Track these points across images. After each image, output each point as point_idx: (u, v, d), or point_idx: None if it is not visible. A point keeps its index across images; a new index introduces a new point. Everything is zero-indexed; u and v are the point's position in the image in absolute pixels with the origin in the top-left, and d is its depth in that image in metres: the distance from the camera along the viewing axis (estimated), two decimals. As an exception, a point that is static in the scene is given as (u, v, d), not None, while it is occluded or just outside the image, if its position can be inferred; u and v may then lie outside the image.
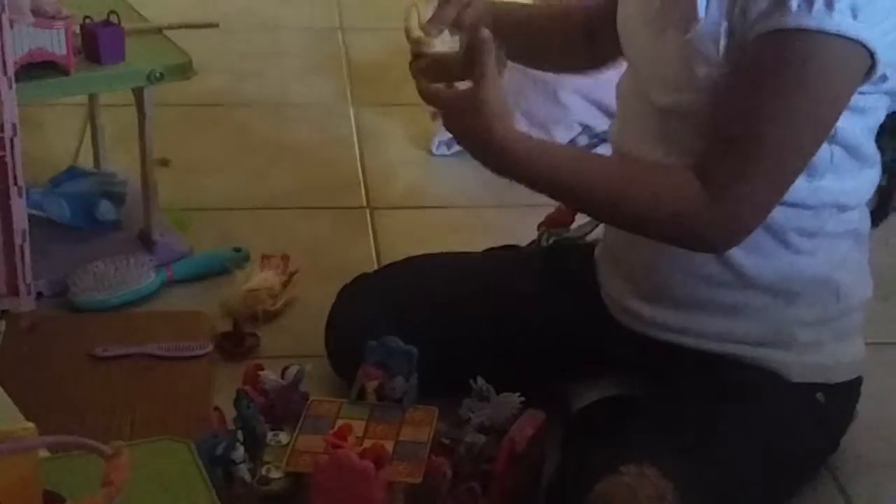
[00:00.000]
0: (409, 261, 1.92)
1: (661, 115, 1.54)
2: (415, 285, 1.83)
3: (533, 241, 1.92)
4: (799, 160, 1.45)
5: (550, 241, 1.86)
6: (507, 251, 1.93)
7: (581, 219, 1.89)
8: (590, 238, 1.85)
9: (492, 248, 1.95)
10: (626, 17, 1.62)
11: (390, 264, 1.97)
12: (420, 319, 1.74)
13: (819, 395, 1.61)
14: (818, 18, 1.36)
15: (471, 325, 1.76)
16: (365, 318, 1.77)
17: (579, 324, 1.72)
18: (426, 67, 1.50)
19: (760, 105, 1.41)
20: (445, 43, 1.54)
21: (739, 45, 1.43)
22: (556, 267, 1.83)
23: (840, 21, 1.37)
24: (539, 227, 1.92)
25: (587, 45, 1.76)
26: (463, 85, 1.45)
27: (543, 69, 1.97)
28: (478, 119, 1.40)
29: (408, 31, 1.53)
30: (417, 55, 1.53)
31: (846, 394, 1.66)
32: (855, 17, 1.37)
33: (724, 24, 1.44)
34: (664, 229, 1.48)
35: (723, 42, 1.44)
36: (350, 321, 1.82)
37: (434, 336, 1.69)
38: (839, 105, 1.44)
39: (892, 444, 1.79)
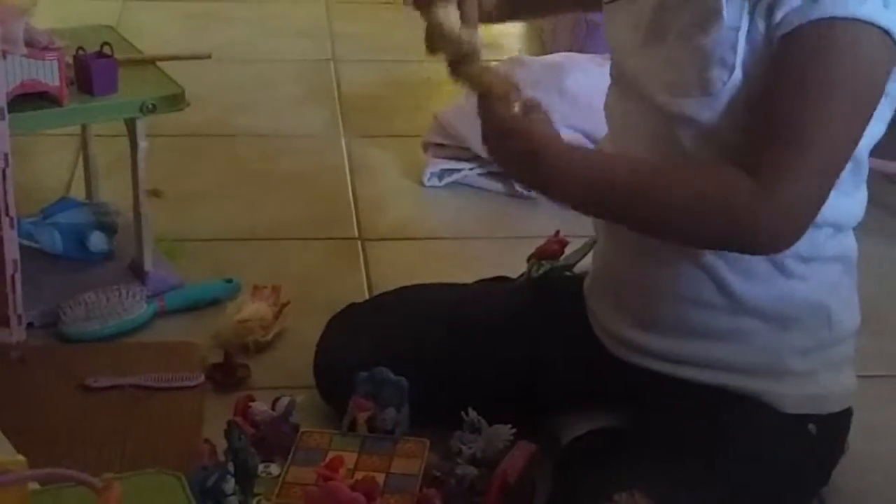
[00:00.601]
0: (400, 291, 1.92)
1: (665, 122, 1.52)
2: (405, 316, 1.83)
3: (523, 274, 1.92)
4: (847, 151, 1.45)
5: (540, 272, 1.86)
6: (498, 283, 1.94)
7: (570, 248, 1.90)
8: (579, 268, 1.85)
9: (482, 280, 1.96)
10: (615, 28, 1.62)
11: (380, 294, 1.97)
12: (409, 351, 1.74)
13: (811, 427, 1.60)
14: (854, 7, 1.38)
15: (461, 357, 1.76)
16: (353, 348, 1.77)
17: (570, 355, 1.72)
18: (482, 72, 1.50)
19: (805, 98, 1.40)
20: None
21: (764, 46, 1.43)
22: (546, 298, 1.83)
23: (873, 10, 1.38)
24: (529, 258, 1.92)
25: None
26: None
27: (532, 16, 1.95)
28: (531, 141, 1.44)
29: (447, 32, 1.46)
30: (463, 58, 1.49)
31: (837, 426, 1.66)
32: (886, 6, 1.39)
33: (744, 29, 1.44)
34: (715, 229, 1.45)
35: (741, 46, 1.44)
36: (339, 351, 1.82)
37: (424, 367, 1.69)
38: (878, 94, 1.44)
39: (884, 478, 1.79)
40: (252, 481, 1.52)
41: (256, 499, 1.50)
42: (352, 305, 1.91)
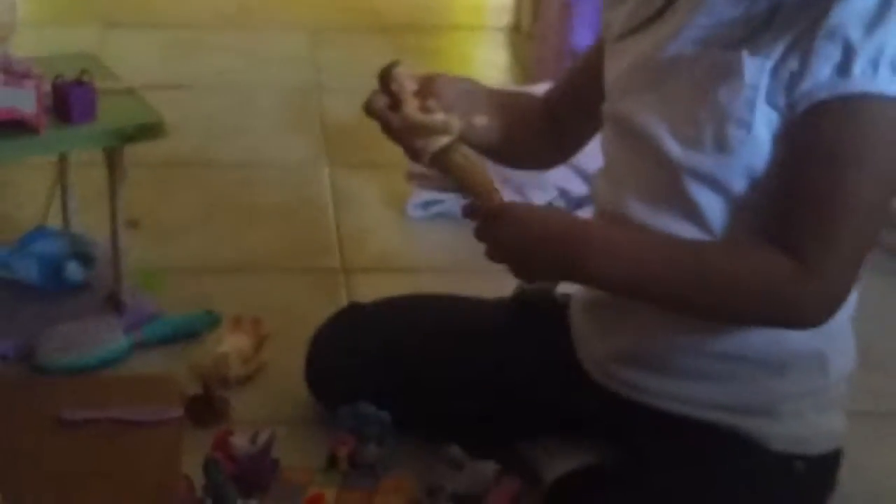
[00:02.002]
0: (401, 298, 1.92)
1: (671, 172, 1.50)
2: (401, 319, 1.85)
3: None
4: (881, 221, 1.44)
5: (519, 289, 1.83)
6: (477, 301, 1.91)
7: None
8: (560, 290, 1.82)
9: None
10: (618, 73, 1.59)
11: (386, 298, 1.94)
12: (392, 354, 1.77)
13: (798, 464, 1.59)
14: (887, 83, 1.36)
15: (438, 363, 1.76)
16: (347, 344, 1.78)
17: (551, 375, 1.70)
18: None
19: (838, 173, 1.39)
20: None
21: (786, 111, 1.41)
22: (532, 316, 1.80)
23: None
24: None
25: (551, 133, 1.73)
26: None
27: (506, 161, 1.86)
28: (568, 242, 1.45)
29: (417, 118, 1.49)
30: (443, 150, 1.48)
31: (826, 465, 1.64)
32: None
33: (763, 90, 1.42)
34: (761, 313, 1.46)
35: (760, 107, 1.42)
36: (332, 347, 1.84)
37: (403, 371, 1.72)
38: None
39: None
40: (231, 518, 1.50)
41: (235, 536, 1.47)
42: (353, 304, 1.91)
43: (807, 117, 1.40)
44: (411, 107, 1.49)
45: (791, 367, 1.56)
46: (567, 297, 1.76)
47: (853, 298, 1.59)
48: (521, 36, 3.73)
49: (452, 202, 2.62)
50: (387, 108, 1.54)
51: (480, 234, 1.49)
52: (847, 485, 1.70)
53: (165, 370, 1.99)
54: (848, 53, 1.37)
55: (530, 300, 1.81)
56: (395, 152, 3.00)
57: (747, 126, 1.43)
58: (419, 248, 2.52)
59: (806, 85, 1.39)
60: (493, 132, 1.68)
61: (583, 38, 2.99)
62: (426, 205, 2.62)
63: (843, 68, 1.37)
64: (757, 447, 1.57)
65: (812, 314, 1.45)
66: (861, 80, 1.36)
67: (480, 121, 1.61)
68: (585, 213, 1.78)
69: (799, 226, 1.42)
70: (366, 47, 3.61)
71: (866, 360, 1.71)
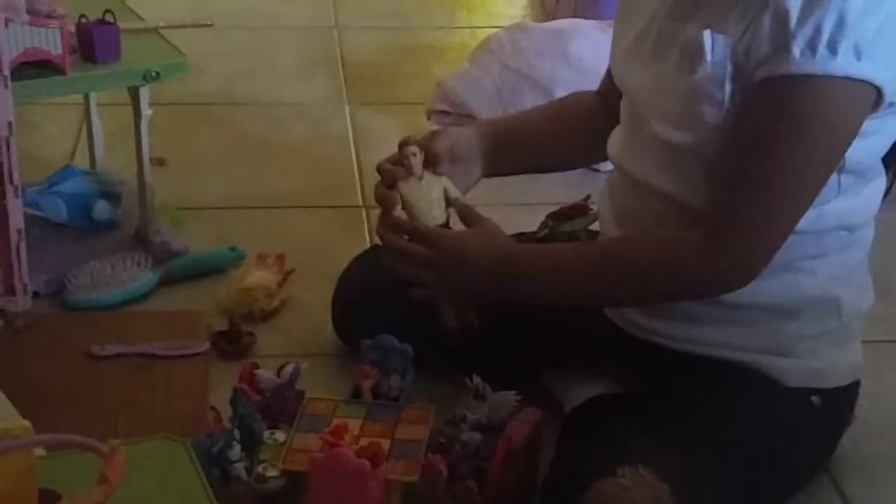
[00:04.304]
0: None
1: (663, 147, 1.53)
2: None
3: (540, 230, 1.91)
4: (807, 199, 1.45)
5: (543, 233, 1.85)
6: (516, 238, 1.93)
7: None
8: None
9: None
10: (621, 48, 1.62)
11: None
12: None
13: (815, 399, 1.60)
14: (822, 64, 1.36)
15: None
16: (373, 283, 1.78)
17: (573, 316, 1.72)
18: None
19: (766, 150, 1.41)
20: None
21: (745, 87, 1.42)
22: None
23: (844, 64, 1.36)
24: (547, 216, 1.90)
25: (612, 125, 1.73)
26: None
27: (575, 166, 1.95)
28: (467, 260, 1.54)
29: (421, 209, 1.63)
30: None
31: (842, 398, 1.65)
32: (859, 57, 1.36)
33: (729, 67, 1.43)
34: (672, 290, 1.51)
35: (728, 85, 1.43)
36: (358, 285, 1.85)
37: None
38: (846, 142, 1.43)
39: (890, 444, 1.78)
40: (257, 448, 1.53)
41: (262, 465, 1.50)
42: (377, 246, 1.93)
43: (752, 95, 1.42)
44: (398, 210, 1.63)
45: (804, 311, 1.57)
46: (594, 235, 1.78)
47: (868, 236, 1.60)
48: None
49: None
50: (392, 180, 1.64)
51: (420, 258, 1.56)
52: (863, 414, 1.72)
53: (192, 306, 2.01)
54: (787, 33, 1.36)
55: (557, 239, 1.83)
56: (414, 90, 3.02)
57: (720, 104, 1.44)
58: (440, 184, 2.53)
59: (753, 63, 1.40)
60: (540, 155, 1.78)
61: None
62: (446, 141, 2.62)
63: (783, 48, 1.37)
64: (773, 382, 1.59)
65: (718, 285, 1.49)
66: (800, 60, 1.36)
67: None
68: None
69: (718, 198, 1.45)
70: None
71: (883, 290, 1.72)
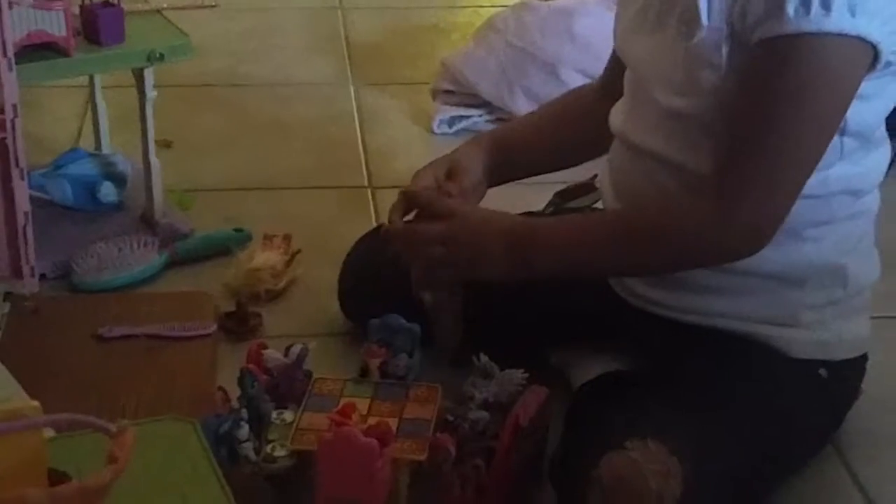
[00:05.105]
0: None
1: (666, 115, 1.53)
2: None
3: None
4: (811, 161, 1.45)
5: (549, 210, 1.85)
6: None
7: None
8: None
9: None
10: (624, 23, 1.62)
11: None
12: None
13: (822, 371, 1.60)
14: (816, 21, 1.36)
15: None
16: (380, 262, 1.77)
17: (580, 291, 1.72)
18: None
19: (767, 112, 1.41)
20: None
21: (742, 49, 1.42)
22: None
23: (839, 20, 1.36)
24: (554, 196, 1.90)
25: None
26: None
27: (574, 165, 1.92)
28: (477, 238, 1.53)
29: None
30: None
31: (850, 370, 1.65)
32: (853, 14, 1.36)
33: (726, 30, 1.43)
34: (684, 258, 1.51)
35: (725, 48, 1.43)
36: (365, 265, 1.86)
37: None
38: (846, 102, 1.43)
39: (898, 419, 1.78)
40: (265, 428, 1.53)
41: (270, 445, 1.50)
42: (382, 225, 1.93)
43: (750, 58, 1.42)
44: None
45: (810, 280, 1.57)
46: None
47: (874, 205, 1.60)
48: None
49: (477, 118, 2.63)
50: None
51: (432, 234, 1.55)
52: (872, 389, 1.72)
53: (199, 287, 2.02)
54: None
55: (564, 211, 1.83)
56: (419, 70, 3.02)
57: (718, 68, 1.44)
58: (446, 164, 2.53)
59: (749, 25, 1.40)
60: (544, 159, 1.80)
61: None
62: (452, 121, 2.62)
63: (778, 7, 1.37)
64: (780, 355, 1.59)
65: (728, 252, 1.48)
66: (794, 19, 1.36)
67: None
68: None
69: (722, 164, 1.45)
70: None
71: (891, 265, 1.71)
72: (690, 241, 1.48)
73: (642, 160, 1.59)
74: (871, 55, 1.41)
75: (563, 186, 1.87)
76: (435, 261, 1.56)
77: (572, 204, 1.83)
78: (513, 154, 1.77)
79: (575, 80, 2.54)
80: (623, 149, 1.64)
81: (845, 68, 1.41)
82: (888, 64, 1.44)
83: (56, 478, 1.04)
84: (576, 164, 1.87)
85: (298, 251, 2.10)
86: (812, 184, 1.47)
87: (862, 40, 1.38)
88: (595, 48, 2.48)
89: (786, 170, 1.43)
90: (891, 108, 1.53)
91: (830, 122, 1.44)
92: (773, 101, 1.41)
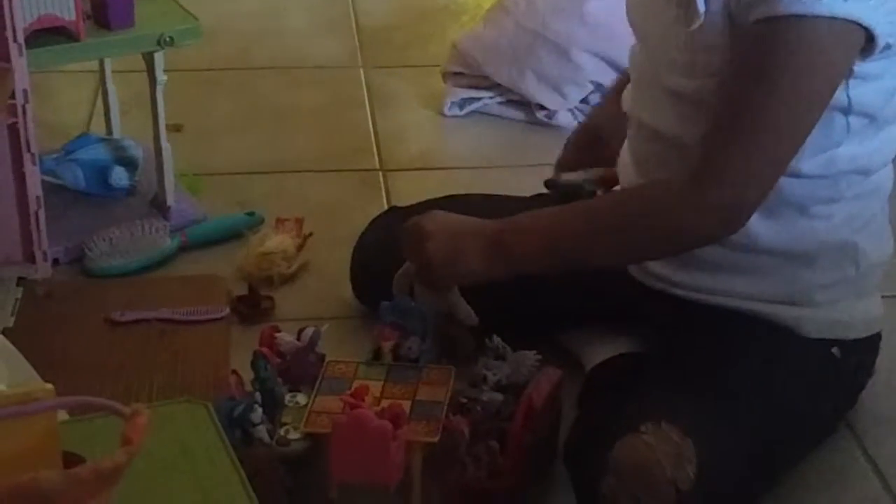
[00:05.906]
0: (444, 199, 1.91)
1: (672, 95, 1.54)
2: None
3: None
4: (791, 141, 1.44)
5: (544, 181, 1.85)
6: (537, 200, 1.92)
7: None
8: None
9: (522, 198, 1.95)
10: (635, 2, 1.62)
11: (426, 200, 1.96)
12: None
13: (834, 350, 1.60)
14: (809, 3, 1.36)
15: None
16: (387, 247, 1.78)
17: (593, 276, 1.71)
18: None
19: (747, 91, 1.41)
20: None
21: (740, 30, 1.43)
22: None
23: (831, 3, 1.36)
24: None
25: None
26: None
27: None
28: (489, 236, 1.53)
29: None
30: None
31: (863, 350, 1.65)
32: None
33: (724, 14, 1.43)
34: (655, 232, 1.50)
35: (726, 32, 1.44)
36: (376, 248, 1.86)
37: None
38: (832, 84, 1.43)
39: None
40: (279, 410, 1.53)
41: (283, 428, 1.51)
42: (394, 207, 1.92)
43: (746, 34, 1.42)
44: None
45: (821, 258, 1.57)
46: (595, 189, 1.78)
47: (886, 184, 1.60)
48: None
49: (488, 100, 2.62)
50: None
51: (408, 237, 1.57)
52: (885, 369, 1.72)
53: (211, 271, 2.02)
54: None
55: (563, 192, 1.82)
56: (429, 52, 3.01)
57: (720, 51, 1.44)
58: (456, 146, 2.53)
59: (745, 7, 1.40)
60: None
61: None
62: (463, 103, 2.62)
63: None
64: (793, 334, 1.59)
65: (706, 228, 1.47)
66: (787, 1, 1.36)
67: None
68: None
69: (707, 139, 1.44)
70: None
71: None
72: (666, 217, 1.48)
73: (656, 139, 1.59)
74: (862, 38, 1.40)
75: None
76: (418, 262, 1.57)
77: (568, 177, 1.83)
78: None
79: (587, 62, 2.53)
80: (638, 127, 1.64)
81: (835, 49, 1.40)
82: (888, 46, 1.43)
83: (70, 460, 1.03)
84: None
85: (310, 234, 2.10)
86: (819, 163, 1.47)
87: (854, 23, 1.38)
88: (606, 29, 2.47)
89: (763, 146, 1.42)
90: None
91: (813, 103, 1.43)
92: (755, 78, 1.41)
